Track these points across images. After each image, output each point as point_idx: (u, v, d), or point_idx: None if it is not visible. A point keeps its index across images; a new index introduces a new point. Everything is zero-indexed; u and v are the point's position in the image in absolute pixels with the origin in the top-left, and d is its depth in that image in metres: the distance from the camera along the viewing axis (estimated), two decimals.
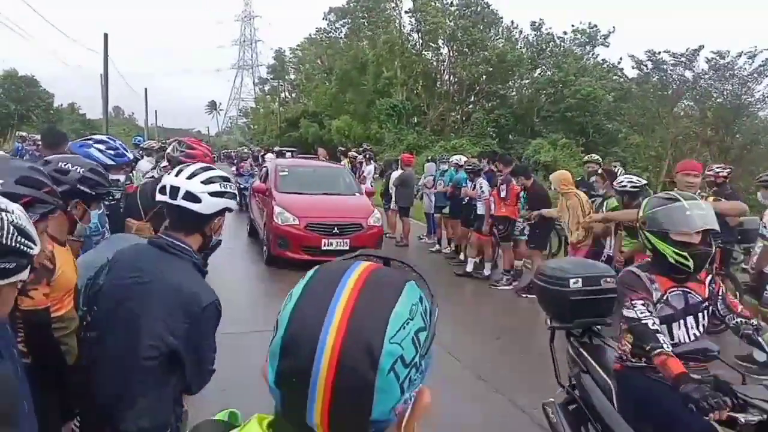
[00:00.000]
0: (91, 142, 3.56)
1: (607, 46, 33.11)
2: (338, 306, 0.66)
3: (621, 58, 30.65)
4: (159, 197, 2.01)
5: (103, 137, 3.81)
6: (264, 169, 10.93)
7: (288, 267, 8.09)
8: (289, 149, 26.31)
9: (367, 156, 13.90)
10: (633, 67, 24.33)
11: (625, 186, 5.76)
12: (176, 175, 2.00)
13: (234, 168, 20.63)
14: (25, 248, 1.21)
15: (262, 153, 29.11)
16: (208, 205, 1.98)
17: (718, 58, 19.39)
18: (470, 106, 33.76)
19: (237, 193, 2.12)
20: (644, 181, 5.93)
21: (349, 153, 16.74)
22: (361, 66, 34.35)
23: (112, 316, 1.91)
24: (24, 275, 1.23)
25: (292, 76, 56.50)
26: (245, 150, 16.35)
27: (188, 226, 2.01)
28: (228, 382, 3.64)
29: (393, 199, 11.48)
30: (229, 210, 2.09)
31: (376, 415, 0.65)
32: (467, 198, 9.00)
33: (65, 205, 2.17)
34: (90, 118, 55.65)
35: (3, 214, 1.18)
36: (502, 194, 7.97)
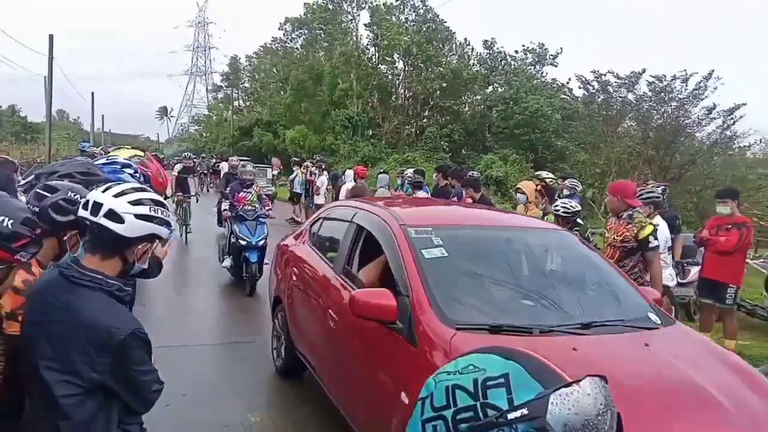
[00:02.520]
0: (118, 166, 3.42)
1: (556, 66, 34.31)
2: None
3: (569, 79, 31.71)
4: (80, 212, 1.87)
5: (128, 161, 3.69)
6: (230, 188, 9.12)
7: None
8: (244, 158, 25.95)
9: (322, 167, 13.91)
10: (579, 87, 25.28)
11: (558, 210, 6.01)
12: (103, 191, 1.87)
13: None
14: None
15: (214, 162, 28.61)
16: (131, 228, 1.82)
17: (657, 81, 20.38)
18: (424, 120, 34.22)
19: (170, 222, 1.98)
20: (578, 208, 6.15)
21: (304, 163, 16.68)
22: (316, 77, 34.32)
23: (29, 354, 1.82)
24: None
25: (247, 85, 55.90)
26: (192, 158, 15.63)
27: (105, 249, 1.85)
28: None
29: None
30: (158, 237, 1.94)
31: None
32: None
33: (63, 233, 2.13)
34: (32, 121, 53.42)
35: None
36: None
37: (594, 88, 23.23)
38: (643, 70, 20.93)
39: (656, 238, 5.01)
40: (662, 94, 20.38)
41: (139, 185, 2.11)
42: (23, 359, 1.87)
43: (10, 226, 1.70)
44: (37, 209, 2.15)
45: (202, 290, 8.62)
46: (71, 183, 2.43)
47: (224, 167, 26.68)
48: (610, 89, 22.24)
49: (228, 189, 8.88)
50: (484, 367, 0.78)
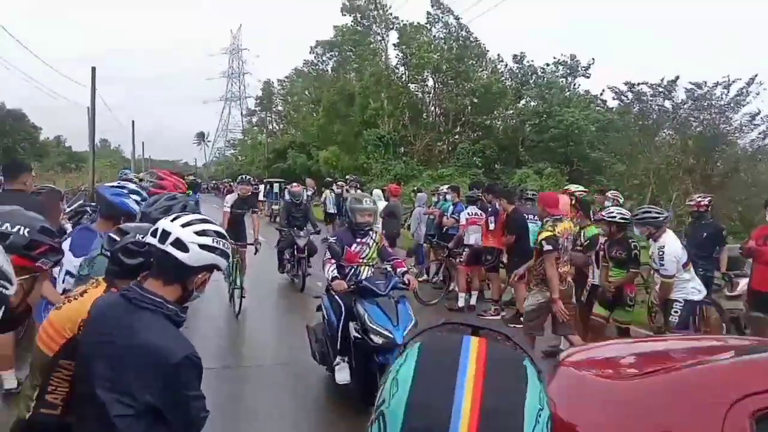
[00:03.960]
0: (126, 191, 3.50)
1: (588, 77, 33.86)
2: (465, 398, 0.59)
3: (603, 90, 31.25)
4: (149, 239, 1.97)
5: (134, 186, 3.79)
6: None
7: None
8: (277, 180, 26.43)
9: (355, 186, 14.00)
10: (614, 98, 24.88)
11: (614, 217, 5.86)
12: (171, 220, 1.96)
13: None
14: (2, 288, 1.21)
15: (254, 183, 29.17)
16: (195, 257, 1.91)
17: (696, 88, 19.90)
18: (456, 137, 34.16)
19: (229, 254, 2.04)
20: (629, 214, 6.04)
21: (334, 184, 16.78)
22: (348, 97, 34.77)
23: (87, 373, 1.88)
24: None
25: (280, 108, 56.99)
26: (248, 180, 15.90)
27: (169, 275, 1.93)
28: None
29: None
30: (218, 268, 2.02)
31: None
32: (446, 228, 9.18)
33: (136, 275, 2.13)
34: (76, 150, 55.52)
35: None
36: (491, 226, 8.05)
37: (628, 99, 22.84)
38: (677, 78, 20.49)
39: (549, 244, 5.37)
40: (701, 101, 19.87)
41: (203, 216, 2.13)
42: (80, 378, 1.93)
43: (26, 234, 1.76)
44: (109, 254, 2.26)
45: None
46: (142, 224, 2.48)
47: (261, 190, 27.39)
48: (645, 98, 21.82)
49: (333, 239, 5.40)
50: None
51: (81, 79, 26.92)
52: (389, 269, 5.13)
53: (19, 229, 1.73)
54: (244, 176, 9.62)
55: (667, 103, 21.21)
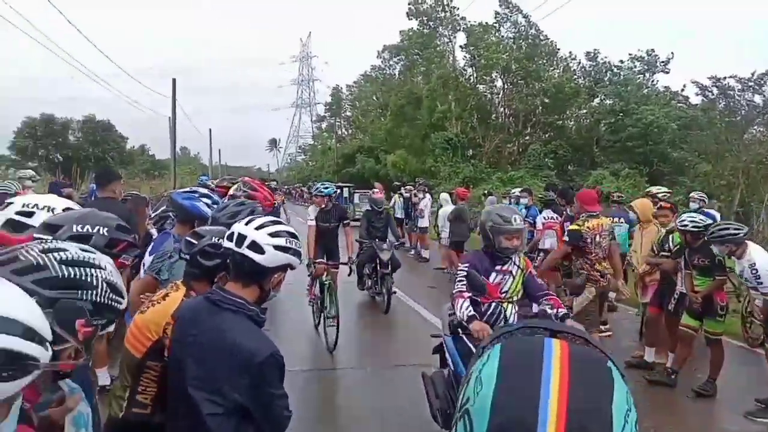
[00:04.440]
0: (197, 195, 3.65)
1: (667, 73, 32.15)
2: (551, 396, 0.59)
3: (684, 85, 29.55)
4: (225, 243, 2.05)
5: (206, 191, 3.95)
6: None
7: None
8: (346, 185, 26.82)
9: (425, 189, 13.95)
10: (697, 94, 23.52)
11: (686, 225, 5.50)
12: (246, 224, 2.04)
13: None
14: (116, 304, 1.25)
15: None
16: (270, 258, 1.99)
17: None
18: (527, 138, 33.37)
19: (301, 252, 2.12)
20: (708, 221, 5.61)
21: (403, 188, 16.76)
22: (415, 101, 34.78)
23: (178, 374, 1.96)
24: (112, 328, 1.30)
25: (348, 113, 57.87)
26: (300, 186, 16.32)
27: (247, 277, 2.01)
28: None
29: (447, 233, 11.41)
30: (292, 267, 2.08)
31: None
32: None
33: (214, 277, 2.28)
34: (159, 158, 58.66)
35: (97, 271, 1.22)
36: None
37: (713, 94, 21.51)
38: None
39: (568, 236, 5.63)
40: None
41: (274, 218, 2.20)
42: (171, 378, 2.02)
43: (106, 233, 1.82)
44: (187, 256, 2.36)
45: None
46: (217, 228, 2.57)
47: None
48: (732, 94, 20.46)
49: (465, 265, 4.05)
50: None
51: (163, 91, 28.34)
52: (547, 309, 3.87)
53: (99, 229, 1.80)
54: (318, 186, 7.66)
55: (757, 98, 19.81)
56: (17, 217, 1.90)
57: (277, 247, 1.99)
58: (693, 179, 22.68)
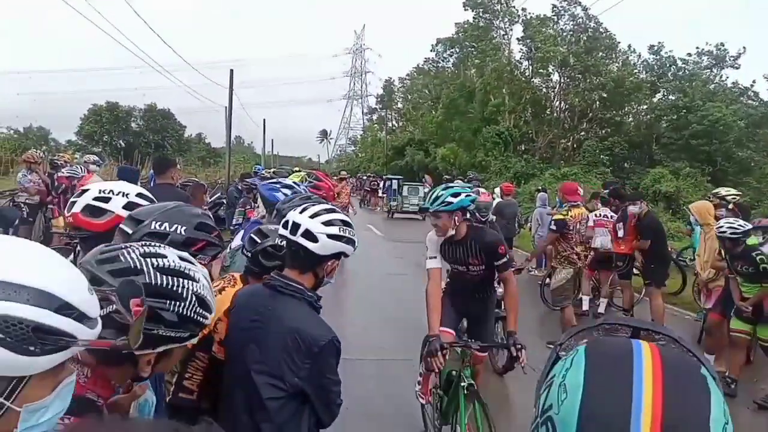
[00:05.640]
0: (278, 185, 3.69)
1: (737, 68, 30.55)
2: (644, 406, 0.55)
3: (754, 81, 28.03)
4: (281, 231, 2.09)
5: (289, 182, 3.99)
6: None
7: None
8: (395, 177, 26.81)
9: (476, 184, 13.76)
10: None
11: (724, 232, 5.22)
12: (300, 212, 2.06)
13: None
14: (201, 318, 1.23)
15: (370, 181, 29.87)
16: (324, 246, 2.00)
17: None
18: (582, 133, 32.46)
19: (355, 240, 2.12)
20: (748, 226, 5.31)
21: (455, 181, 16.64)
22: (468, 94, 34.38)
23: (239, 357, 2.00)
24: (194, 341, 1.26)
25: (400, 105, 57.78)
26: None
27: (302, 265, 2.04)
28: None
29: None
30: (345, 255, 2.10)
31: None
32: None
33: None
34: (214, 147, 60.34)
35: (189, 283, 1.21)
36: (619, 233, 7.52)
37: None
38: None
39: (556, 225, 6.47)
40: None
41: (329, 206, 2.22)
42: (233, 363, 2.06)
43: (183, 233, 1.83)
44: (249, 254, 2.39)
45: None
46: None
47: (380, 186, 27.94)
48: None
49: None
50: None
51: (221, 81, 29.03)
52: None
53: (176, 228, 1.81)
54: (439, 192, 3.78)
55: None
56: (95, 203, 1.98)
57: (330, 236, 2.01)
58: (760, 180, 21.55)
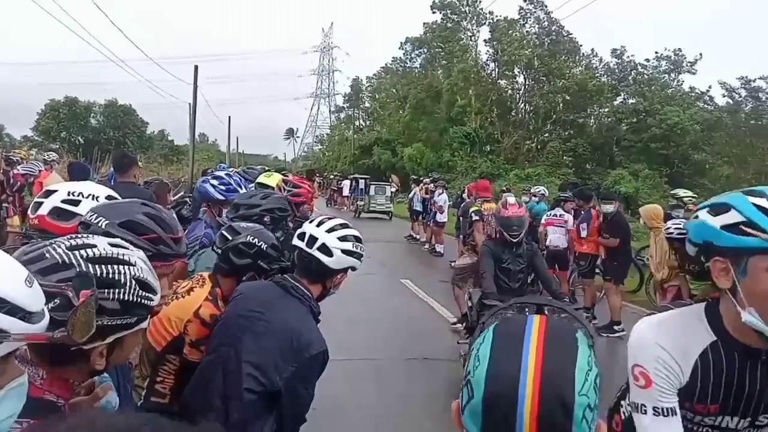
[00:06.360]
0: (209, 177, 3.69)
1: (694, 74, 31.66)
2: (529, 366, 0.75)
3: (710, 86, 29.15)
4: (296, 242, 2.14)
5: (222, 173, 3.95)
6: None
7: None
8: (362, 176, 26.76)
9: (443, 185, 13.87)
10: (723, 95, 23.14)
11: (672, 233, 5.43)
12: (317, 226, 2.13)
13: None
14: (146, 301, 1.20)
15: (338, 179, 29.77)
16: (338, 261, 2.10)
17: None
18: (546, 135, 33.10)
19: (363, 255, 2.22)
20: None
21: (423, 180, 16.77)
22: (435, 94, 34.66)
23: (232, 343, 2.01)
24: (145, 325, 1.22)
25: (367, 105, 57.79)
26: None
27: (314, 275, 2.11)
28: None
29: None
30: (353, 269, 2.19)
31: None
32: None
33: (243, 274, 2.31)
34: (177, 144, 59.16)
35: (125, 268, 1.18)
36: (582, 234, 7.71)
37: (740, 96, 21.14)
38: None
39: (477, 215, 7.44)
40: None
41: (343, 221, 2.26)
42: (219, 347, 2.05)
43: (104, 227, 1.61)
44: (219, 250, 2.36)
45: None
46: (253, 225, 2.56)
47: (346, 185, 27.86)
48: (762, 96, 20.11)
49: None
50: None
51: (185, 77, 28.47)
52: None
53: (100, 221, 1.63)
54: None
55: None
56: (63, 206, 1.86)
57: (344, 251, 2.10)
58: (714, 182, 22.37)
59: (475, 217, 7.44)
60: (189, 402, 2.06)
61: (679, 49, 31.52)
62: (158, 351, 2.18)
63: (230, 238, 2.36)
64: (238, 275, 2.33)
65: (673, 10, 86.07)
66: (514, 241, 4.82)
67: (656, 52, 31.89)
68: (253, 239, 2.33)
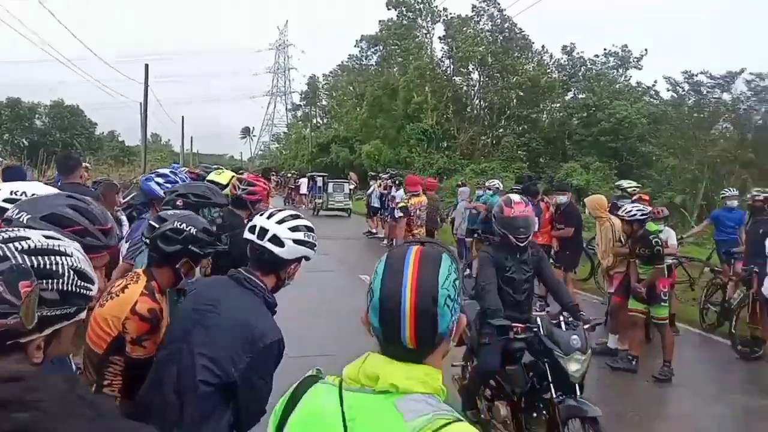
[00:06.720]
0: (153, 175, 3.67)
1: (640, 69, 32.82)
2: (408, 274, 1.06)
3: (656, 81, 30.20)
4: (247, 234, 2.13)
5: (167, 171, 3.91)
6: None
7: None
8: (321, 174, 26.61)
9: (397, 181, 13.94)
10: (668, 90, 24.05)
11: (634, 215, 5.76)
12: (267, 218, 2.14)
13: None
14: (85, 291, 1.20)
15: (295, 177, 29.51)
16: (290, 251, 2.12)
17: (757, 79, 19.02)
18: (501, 130, 33.72)
19: (316, 244, 2.24)
20: (646, 210, 5.99)
21: (380, 176, 16.83)
22: (391, 92, 34.79)
23: (183, 337, 2.01)
24: (83, 315, 1.21)
25: (324, 102, 57.51)
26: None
27: (267, 267, 2.12)
28: None
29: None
30: (307, 259, 2.21)
31: (441, 330, 1.06)
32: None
33: (176, 261, 2.26)
34: (128, 144, 57.54)
35: (63, 258, 1.17)
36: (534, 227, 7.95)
37: (684, 90, 22.04)
38: (742, 70, 19.61)
39: (401, 212, 8.66)
40: (763, 93, 18.98)
41: (294, 212, 2.28)
42: (172, 342, 2.04)
43: (25, 221, 1.57)
44: (148, 240, 2.30)
45: None
46: (182, 212, 2.53)
47: (303, 183, 27.67)
48: (703, 90, 21.01)
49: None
50: None
51: (136, 76, 27.72)
52: None
53: (22, 216, 1.58)
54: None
55: (726, 96, 20.37)
56: (5, 205, 1.79)
57: (296, 241, 2.12)
58: (660, 173, 23.24)
59: (399, 214, 7.53)
60: (145, 400, 2.04)
61: (626, 45, 32.63)
62: (100, 354, 2.14)
63: (157, 226, 2.28)
64: (170, 264, 2.26)
65: (620, 6, 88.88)
66: (521, 245, 3.97)
67: (604, 49, 32.94)
68: (180, 224, 2.25)
